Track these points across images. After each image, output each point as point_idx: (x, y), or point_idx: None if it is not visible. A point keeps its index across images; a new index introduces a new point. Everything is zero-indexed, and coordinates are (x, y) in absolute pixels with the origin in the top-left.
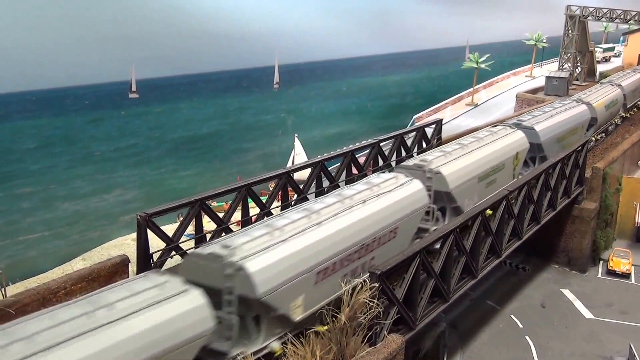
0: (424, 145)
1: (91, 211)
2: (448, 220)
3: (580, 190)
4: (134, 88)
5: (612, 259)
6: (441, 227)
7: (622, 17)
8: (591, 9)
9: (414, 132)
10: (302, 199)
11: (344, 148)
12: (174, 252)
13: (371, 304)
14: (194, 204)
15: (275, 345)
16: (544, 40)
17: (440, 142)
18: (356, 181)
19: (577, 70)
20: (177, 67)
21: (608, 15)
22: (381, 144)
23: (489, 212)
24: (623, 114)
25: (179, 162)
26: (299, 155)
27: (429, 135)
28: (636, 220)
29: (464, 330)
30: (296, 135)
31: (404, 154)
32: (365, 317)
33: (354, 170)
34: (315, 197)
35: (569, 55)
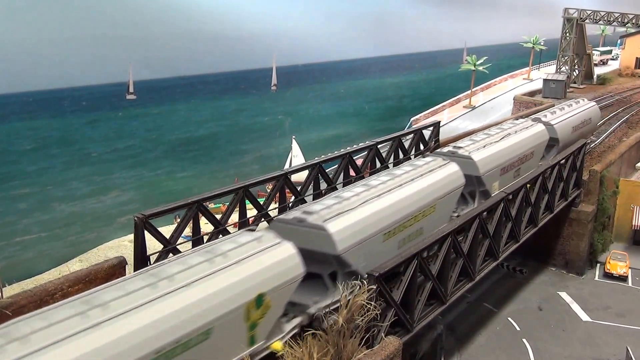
0: (422, 147)
1: (88, 212)
2: None
3: (577, 193)
4: (131, 89)
5: (609, 262)
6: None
7: (619, 20)
8: (589, 12)
9: (412, 135)
10: (300, 200)
11: (342, 150)
12: (171, 254)
13: (369, 306)
14: (191, 205)
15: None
16: (542, 43)
17: (437, 145)
18: (354, 182)
19: (574, 73)
20: (175, 69)
21: (605, 18)
22: (379, 147)
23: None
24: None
25: (176, 164)
26: (297, 157)
27: (427, 138)
28: (633, 223)
29: (461, 333)
30: (294, 137)
31: (401, 156)
32: (362, 319)
33: (352, 172)
34: (313, 199)
35: (566, 58)
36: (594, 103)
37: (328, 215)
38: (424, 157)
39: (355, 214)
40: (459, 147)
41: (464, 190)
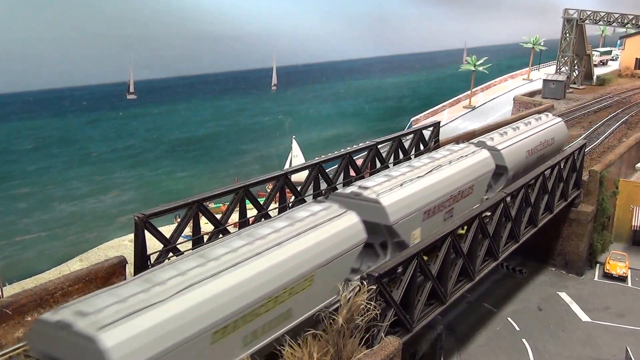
0: (422, 147)
1: (88, 212)
2: None
3: (577, 194)
4: (131, 89)
5: (608, 262)
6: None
7: (619, 20)
8: (588, 13)
9: (412, 135)
10: (300, 200)
11: (342, 150)
12: (171, 254)
13: (368, 306)
14: (191, 205)
15: None
16: (542, 44)
17: (437, 145)
18: (352, 183)
19: (574, 73)
20: (175, 69)
21: (605, 18)
22: (379, 147)
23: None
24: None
25: (177, 164)
26: (297, 157)
27: (427, 138)
28: (633, 224)
29: (461, 333)
30: (294, 137)
31: (401, 156)
32: (362, 319)
33: (352, 172)
34: (313, 198)
35: (566, 58)
36: (560, 119)
37: (108, 319)
38: (316, 202)
39: (160, 311)
40: (365, 188)
41: (373, 242)
